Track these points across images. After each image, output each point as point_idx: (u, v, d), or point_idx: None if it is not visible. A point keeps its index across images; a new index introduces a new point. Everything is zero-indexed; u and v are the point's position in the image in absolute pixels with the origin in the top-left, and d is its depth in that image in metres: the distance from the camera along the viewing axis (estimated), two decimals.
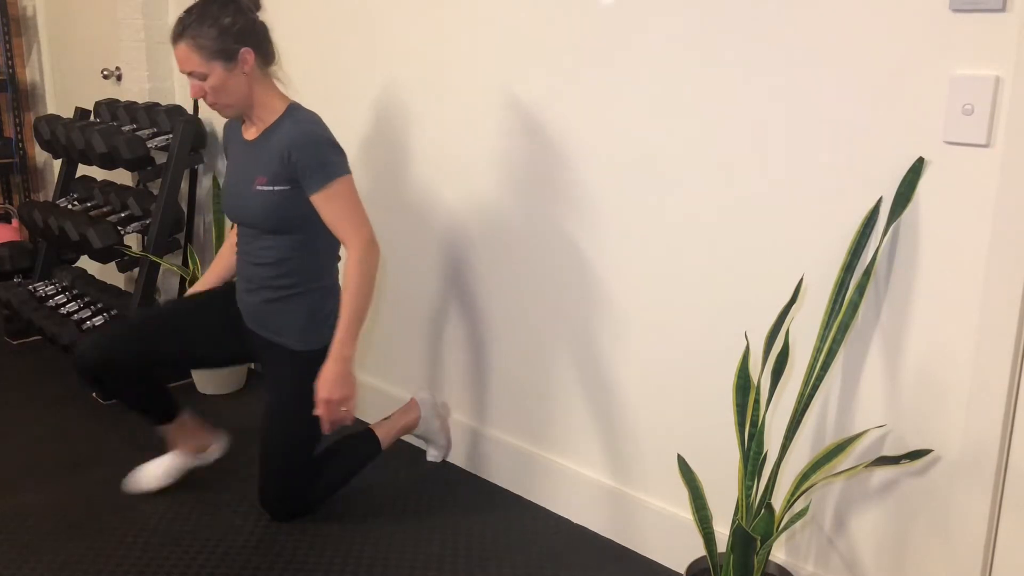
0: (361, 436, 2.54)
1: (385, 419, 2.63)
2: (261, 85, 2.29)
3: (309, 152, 2.20)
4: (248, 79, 2.25)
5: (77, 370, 2.33)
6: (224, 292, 2.52)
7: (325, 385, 2.22)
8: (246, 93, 2.26)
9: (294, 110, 2.30)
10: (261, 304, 2.37)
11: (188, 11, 2.21)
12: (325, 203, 2.22)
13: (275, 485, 2.39)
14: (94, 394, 3.23)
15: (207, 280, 2.57)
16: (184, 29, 2.19)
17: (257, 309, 2.39)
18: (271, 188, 2.25)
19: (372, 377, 3.04)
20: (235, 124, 2.42)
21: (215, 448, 2.66)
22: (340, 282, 2.43)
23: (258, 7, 2.28)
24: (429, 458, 2.78)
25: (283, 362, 2.38)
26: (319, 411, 2.23)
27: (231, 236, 2.58)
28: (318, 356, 2.31)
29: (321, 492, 2.45)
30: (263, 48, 2.28)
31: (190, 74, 2.22)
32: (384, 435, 2.57)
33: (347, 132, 2.91)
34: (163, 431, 2.51)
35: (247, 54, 2.22)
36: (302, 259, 2.33)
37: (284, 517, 2.43)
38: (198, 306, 2.48)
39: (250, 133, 2.35)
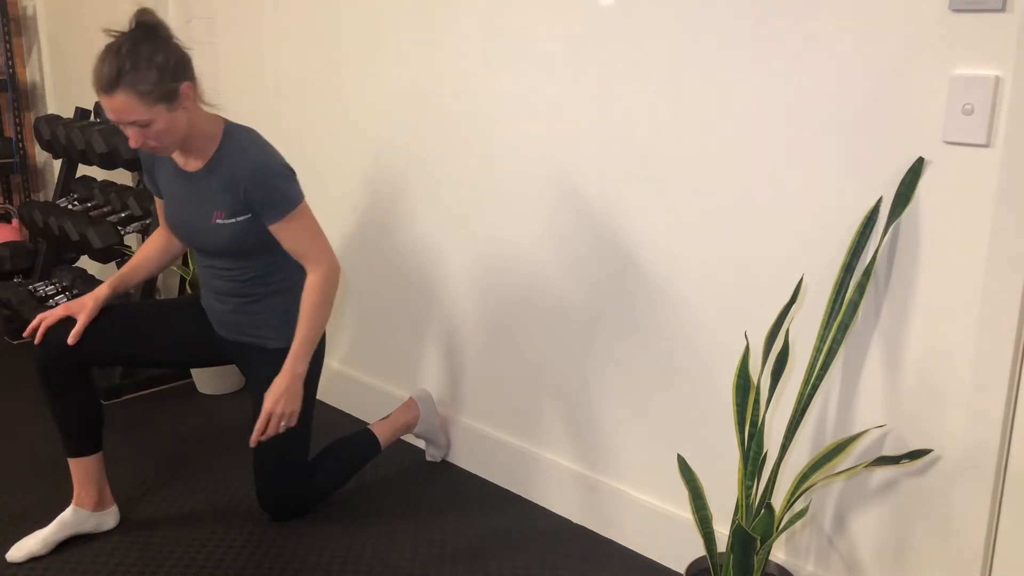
0: (360, 436, 2.54)
1: (384, 418, 2.63)
2: (198, 114, 2.15)
3: (264, 186, 2.13)
4: (189, 113, 2.10)
5: (37, 357, 2.21)
6: (196, 299, 2.46)
7: (272, 397, 2.18)
8: (187, 125, 2.12)
9: (231, 134, 2.19)
10: (233, 311, 2.33)
11: (116, 55, 1.98)
12: (285, 233, 2.18)
13: (271, 487, 2.38)
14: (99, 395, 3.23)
15: (125, 276, 2.35)
16: (120, 78, 1.97)
17: (229, 316, 2.35)
18: (232, 220, 2.18)
19: (370, 376, 3.04)
20: None
21: (112, 513, 2.38)
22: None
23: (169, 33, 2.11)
24: (429, 458, 2.78)
25: (264, 362, 2.35)
26: (260, 421, 2.18)
27: (155, 239, 2.42)
28: None
29: (319, 491, 2.44)
30: (194, 76, 2.12)
31: (130, 123, 2.02)
32: (383, 434, 2.56)
33: (348, 131, 2.91)
34: (74, 466, 2.29)
35: (188, 89, 2.07)
36: (271, 264, 2.30)
37: (282, 517, 2.43)
38: (170, 309, 2.40)
39: (189, 164, 2.22)
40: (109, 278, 2.29)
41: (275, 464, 2.36)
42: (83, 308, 2.21)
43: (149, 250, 2.43)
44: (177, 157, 2.24)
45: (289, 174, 2.19)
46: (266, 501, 2.40)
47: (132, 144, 2.06)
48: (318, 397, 3.25)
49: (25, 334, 2.23)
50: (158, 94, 2.01)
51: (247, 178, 2.14)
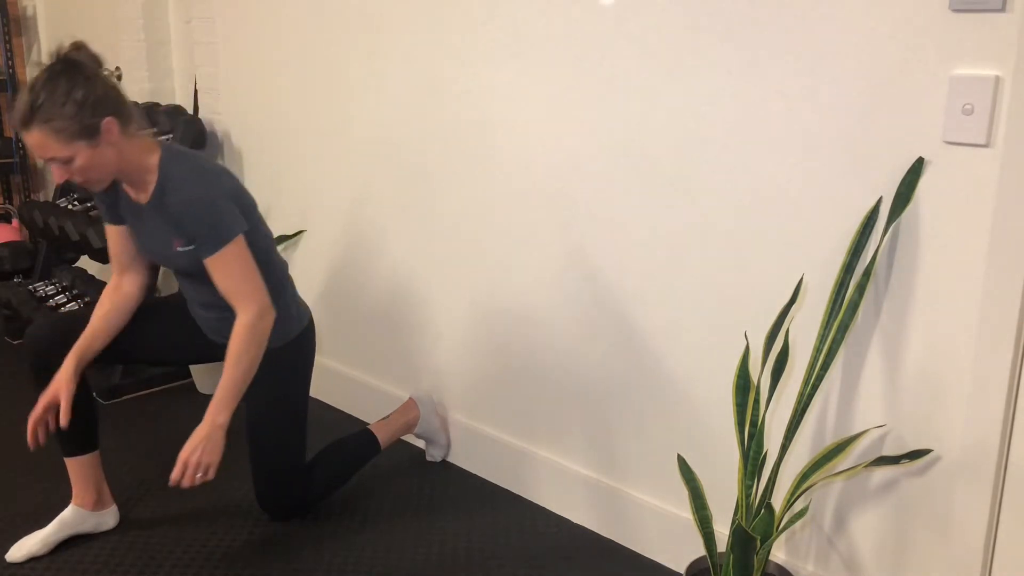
0: (359, 436, 2.53)
1: (384, 419, 2.63)
2: (128, 147, 2.05)
3: (195, 221, 2.06)
4: (116, 148, 2.02)
5: (27, 351, 2.21)
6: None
7: (190, 446, 2.08)
8: (116, 163, 2.04)
9: (168, 163, 2.10)
10: (217, 318, 2.31)
11: (31, 90, 1.94)
12: (215, 269, 2.10)
13: (268, 488, 2.38)
14: (94, 394, 3.23)
15: (83, 348, 2.21)
16: (34, 113, 1.92)
17: (214, 323, 2.33)
18: (191, 248, 2.14)
19: (370, 376, 3.04)
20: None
21: (111, 513, 2.39)
22: (289, 276, 2.37)
23: (100, 64, 2.05)
24: (429, 457, 2.78)
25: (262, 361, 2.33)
26: (176, 469, 2.07)
27: (105, 302, 2.27)
28: (286, 350, 2.30)
29: (319, 492, 2.44)
30: (123, 111, 2.03)
31: (50, 160, 1.97)
32: (383, 435, 2.56)
33: (348, 130, 2.91)
34: (70, 466, 2.29)
35: (110, 124, 1.98)
36: (264, 273, 2.25)
37: (282, 517, 2.43)
38: (165, 307, 2.38)
39: (139, 196, 2.16)
40: (70, 354, 2.17)
41: (272, 465, 2.36)
42: (60, 390, 2.14)
43: (100, 317, 2.25)
44: (128, 189, 2.17)
45: (223, 208, 2.08)
46: (265, 502, 2.40)
47: (56, 180, 2.02)
48: (318, 396, 3.25)
49: (30, 443, 2.16)
50: (75, 130, 1.94)
51: (181, 212, 2.07)
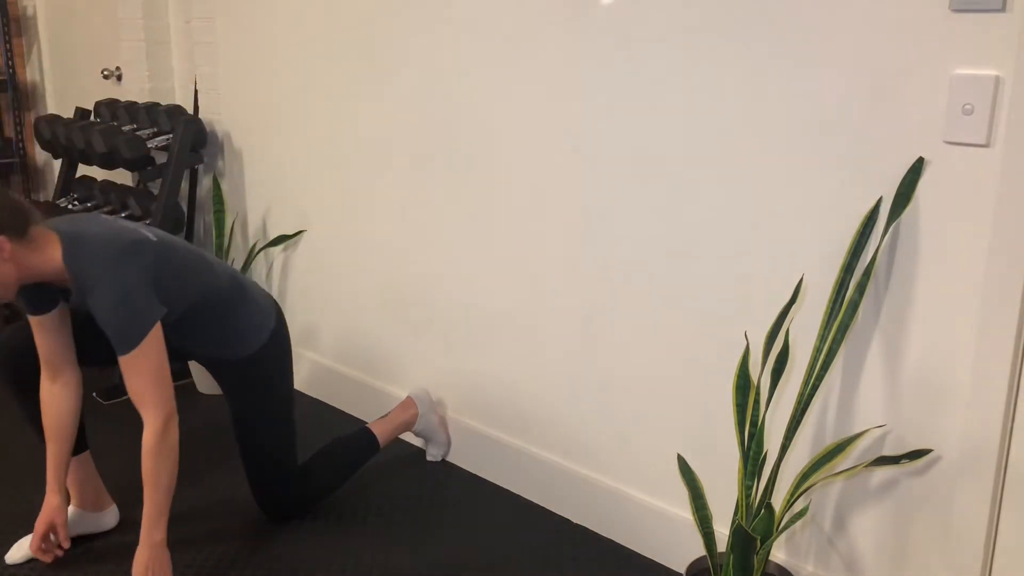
0: (358, 435, 2.53)
1: (382, 417, 2.63)
2: (28, 256, 1.96)
3: (106, 320, 1.96)
4: (12, 262, 1.94)
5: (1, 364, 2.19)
6: None
7: (139, 571, 2.04)
8: (17, 275, 1.97)
9: (71, 260, 1.97)
10: (183, 341, 2.26)
11: None
12: (126, 369, 1.99)
13: (264, 488, 2.38)
14: (94, 394, 3.23)
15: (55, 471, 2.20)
16: None
17: (176, 344, 2.28)
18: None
19: (369, 375, 3.04)
20: None
21: (111, 513, 2.39)
22: (243, 282, 2.29)
23: None
24: (429, 457, 2.78)
25: (228, 372, 2.31)
26: None
27: (47, 412, 2.19)
28: (258, 356, 2.27)
29: (318, 492, 2.44)
30: (14, 224, 1.94)
31: None
32: (381, 433, 2.56)
33: (348, 130, 2.91)
34: None
35: (2, 243, 1.92)
36: (204, 314, 2.20)
37: (281, 517, 2.43)
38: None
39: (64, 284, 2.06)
40: (49, 480, 2.18)
41: (265, 466, 2.36)
42: (54, 519, 2.18)
43: (53, 429, 2.19)
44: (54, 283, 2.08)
45: (134, 302, 1.96)
46: (263, 502, 2.40)
47: None
48: (317, 396, 3.25)
49: (47, 560, 2.21)
50: None
51: (95, 310, 1.97)
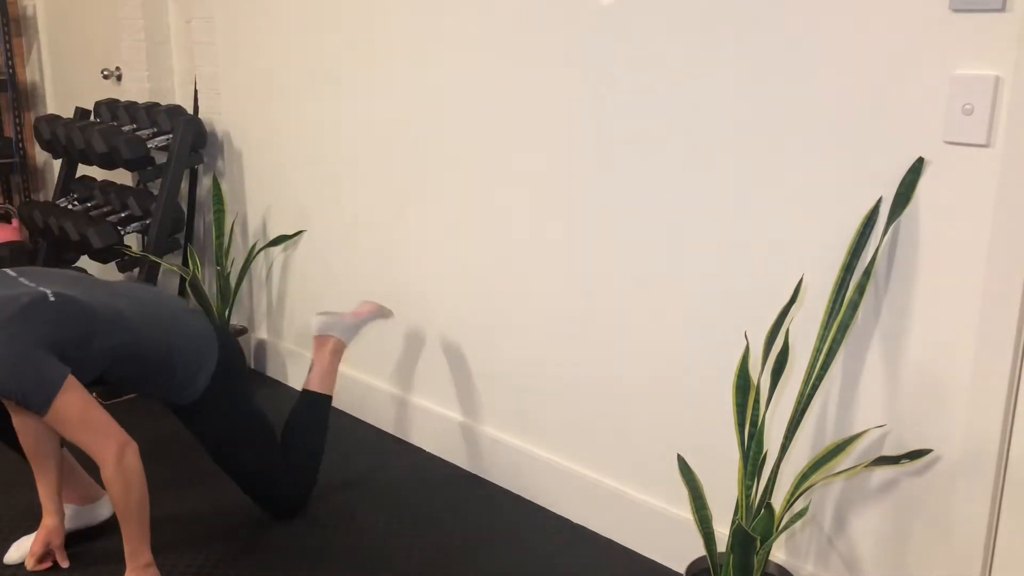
0: (306, 400, 2.47)
1: (311, 370, 2.54)
2: None
3: (10, 389, 1.86)
4: None
5: None
6: None
7: None
8: None
9: None
10: (125, 387, 2.24)
11: None
12: (57, 424, 1.91)
13: (263, 503, 2.41)
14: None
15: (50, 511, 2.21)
16: None
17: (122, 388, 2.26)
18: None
19: (368, 375, 3.04)
20: None
21: (104, 504, 2.37)
22: (180, 331, 2.20)
23: None
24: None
25: (181, 412, 2.29)
26: None
27: (27, 445, 2.17)
28: (205, 397, 2.25)
29: (307, 474, 2.43)
30: None
31: None
32: (324, 385, 2.50)
33: (347, 130, 2.91)
34: None
35: None
36: (128, 369, 2.12)
37: (289, 515, 2.44)
38: None
39: None
40: (44, 503, 2.19)
41: (254, 483, 2.37)
42: (52, 538, 2.19)
43: (35, 455, 2.17)
44: None
45: (33, 366, 1.87)
46: (268, 511, 2.43)
47: None
48: None
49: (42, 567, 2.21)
50: None
51: None
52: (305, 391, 2.51)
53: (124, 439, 1.97)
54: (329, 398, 2.51)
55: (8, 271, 2.09)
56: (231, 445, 2.31)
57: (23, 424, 2.15)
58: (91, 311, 2.01)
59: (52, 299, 1.96)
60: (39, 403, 1.88)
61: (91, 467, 2.52)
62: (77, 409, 1.91)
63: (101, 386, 2.20)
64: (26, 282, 2.02)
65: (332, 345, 2.56)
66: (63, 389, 1.89)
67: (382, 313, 2.65)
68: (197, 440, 2.33)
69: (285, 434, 2.45)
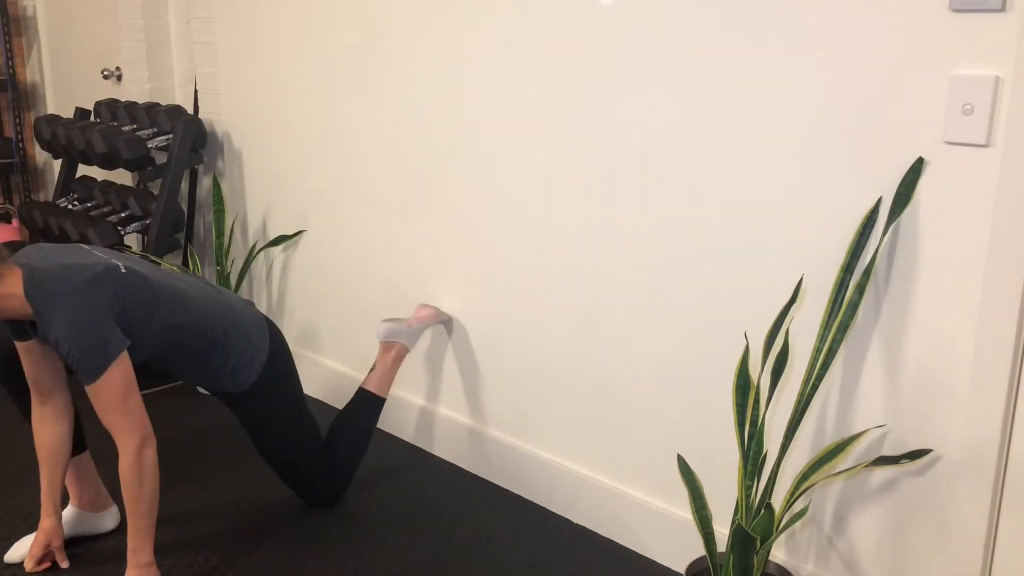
0: (362, 402, 2.54)
1: (372, 370, 2.59)
2: None
3: (67, 352, 1.92)
4: None
5: None
6: None
7: None
8: None
9: (33, 294, 1.94)
10: (176, 374, 2.29)
11: None
12: (95, 398, 1.96)
13: (304, 495, 2.47)
14: None
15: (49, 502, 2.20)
16: None
17: (173, 375, 2.29)
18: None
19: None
20: None
21: (112, 514, 2.38)
22: (228, 322, 2.22)
23: None
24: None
25: (231, 402, 2.32)
26: None
27: (39, 440, 2.18)
28: (256, 387, 2.28)
29: (347, 468, 2.49)
30: None
31: None
32: (382, 386, 2.57)
33: (347, 130, 2.91)
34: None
35: None
36: (185, 353, 2.17)
37: (328, 504, 2.50)
38: None
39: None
40: (44, 503, 2.19)
41: (296, 478, 2.43)
42: (51, 539, 2.19)
43: (46, 454, 2.18)
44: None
45: (95, 333, 1.92)
46: (307, 501, 2.49)
47: None
48: (317, 396, 3.25)
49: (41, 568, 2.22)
50: None
51: (58, 342, 1.93)
52: (362, 390, 2.56)
53: (149, 432, 2.01)
54: (383, 400, 2.57)
55: (82, 245, 2.15)
56: (278, 435, 2.35)
57: (42, 418, 2.15)
58: (158, 288, 2.08)
59: (124, 271, 2.02)
60: (93, 369, 1.93)
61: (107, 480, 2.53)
62: (121, 387, 1.96)
63: (146, 377, 2.24)
64: (99, 254, 2.08)
65: (397, 351, 2.63)
66: (116, 361, 1.95)
67: (440, 317, 2.70)
68: (244, 428, 2.36)
69: (335, 427, 2.51)
